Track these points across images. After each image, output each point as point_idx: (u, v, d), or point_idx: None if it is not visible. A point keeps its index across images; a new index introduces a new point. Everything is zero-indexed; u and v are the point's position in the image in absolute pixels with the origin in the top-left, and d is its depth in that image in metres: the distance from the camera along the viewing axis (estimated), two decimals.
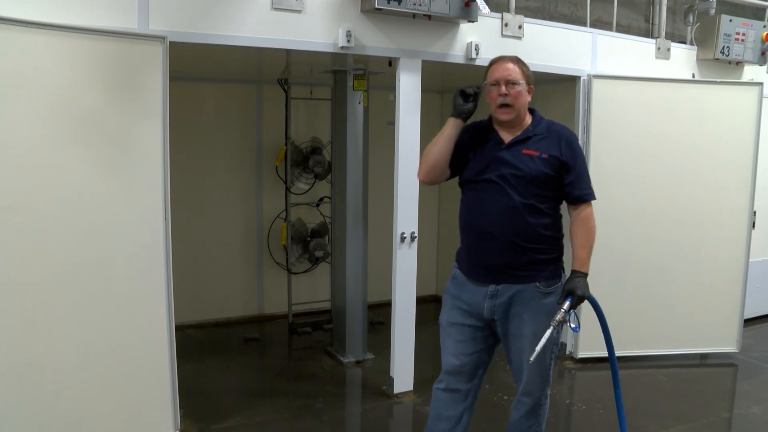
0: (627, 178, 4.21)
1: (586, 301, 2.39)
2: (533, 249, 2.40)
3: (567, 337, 4.34)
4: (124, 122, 2.81)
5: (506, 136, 2.47)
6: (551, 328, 2.27)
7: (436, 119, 5.19)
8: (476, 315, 2.49)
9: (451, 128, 2.47)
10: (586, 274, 2.40)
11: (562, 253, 2.51)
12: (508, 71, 2.44)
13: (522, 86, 2.44)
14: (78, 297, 2.75)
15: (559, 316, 2.27)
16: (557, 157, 2.40)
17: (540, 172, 2.39)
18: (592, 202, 2.47)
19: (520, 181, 2.38)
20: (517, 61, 2.50)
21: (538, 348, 2.25)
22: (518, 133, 2.46)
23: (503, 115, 2.43)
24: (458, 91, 2.46)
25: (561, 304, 2.31)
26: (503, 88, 2.41)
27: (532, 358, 2.26)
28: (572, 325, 2.32)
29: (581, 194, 2.44)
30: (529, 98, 2.48)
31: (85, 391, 2.80)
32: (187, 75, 4.43)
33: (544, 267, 2.43)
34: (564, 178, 2.43)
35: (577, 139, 2.50)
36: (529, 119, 2.51)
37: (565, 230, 2.52)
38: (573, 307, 2.31)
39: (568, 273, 2.44)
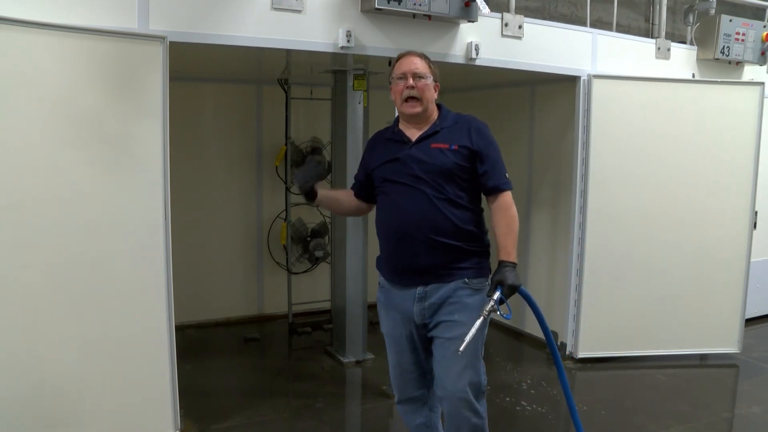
0: (627, 178, 4.21)
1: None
2: (456, 246, 2.31)
3: (567, 337, 4.35)
4: (124, 122, 2.81)
5: (413, 134, 2.41)
6: (481, 318, 2.17)
7: None
8: (409, 320, 2.41)
9: (318, 203, 2.53)
10: (514, 264, 2.27)
11: (487, 248, 2.42)
12: (414, 65, 2.39)
13: (429, 80, 2.39)
14: (78, 297, 2.75)
15: (488, 306, 2.17)
16: (467, 146, 2.34)
17: (452, 164, 2.31)
18: (510, 191, 2.37)
19: (433, 177, 2.31)
20: (423, 56, 2.46)
21: (468, 338, 2.14)
22: (426, 129, 2.41)
23: (410, 109, 2.38)
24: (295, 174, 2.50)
25: (491, 295, 2.21)
26: (410, 81, 2.36)
27: (461, 348, 2.13)
28: (504, 314, 2.20)
29: (496, 184, 2.35)
30: (435, 95, 2.43)
31: (85, 391, 2.80)
32: (187, 75, 4.43)
33: (470, 263, 2.35)
34: (478, 167, 2.35)
35: (487, 128, 2.42)
36: (436, 114, 2.45)
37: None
38: (506, 298, 2.21)
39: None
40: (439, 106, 2.48)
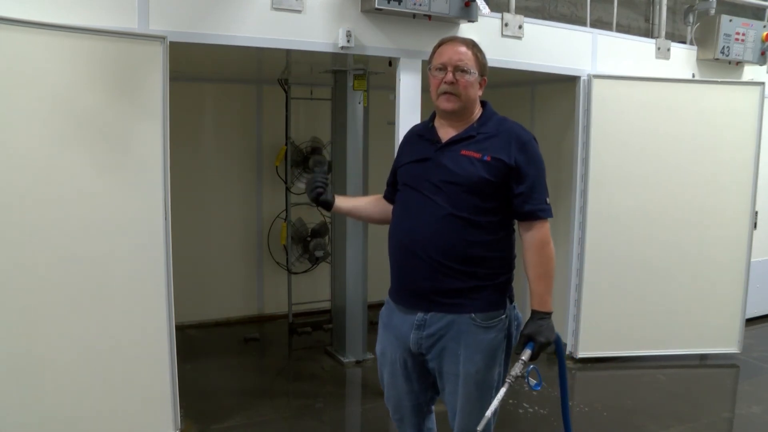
0: (627, 178, 4.21)
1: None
2: (467, 273, 1.97)
3: (567, 337, 4.34)
4: (125, 122, 2.81)
5: (446, 134, 2.07)
6: (506, 385, 1.86)
7: None
8: (405, 347, 2.10)
9: (336, 210, 2.30)
10: (549, 314, 1.99)
11: (509, 279, 2.07)
12: (459, 55, 2.01)
13: (474, 76, 2.02)
14: (78, 297, 2.75)
15: (515, 371, 1.85)
16: (503, 161, 1.97)
17: (478, 178, 1.96)
18: (548, 221, 2.03)
19: (454, 189, 1.97)
20: (471, 44, 2.07)
21: (488, 413, 1.86)
22: (461, 130, 2.06)
23: (445, 104, 2.02)
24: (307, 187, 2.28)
25: (519, 353, 1.90)
26: (450, 75, 2.00)
27: (480, 428, 1.87)
28: (533, 382, 1.89)
29: (533, 209, 1.99)
30: (480, 92, 2.08)
31: (85, 391, 2.80)
32: (187, 75, 4.43)
33: (481, 295, 2.00)
34: (513, 187, 1.98)
35: (533, 141, 2.03)
36: (478, 114, 2.09)
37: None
38: (534, 357, 1.90)
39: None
40: (483, 104, 2.12)
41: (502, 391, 1.88)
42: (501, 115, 2.11)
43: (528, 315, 2.01)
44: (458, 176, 1.98)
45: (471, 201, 1.97)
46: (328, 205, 2.26)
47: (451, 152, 2.03)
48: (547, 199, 2.02)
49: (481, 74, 2.07)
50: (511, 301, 2.08)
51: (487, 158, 1.97)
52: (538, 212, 2.00)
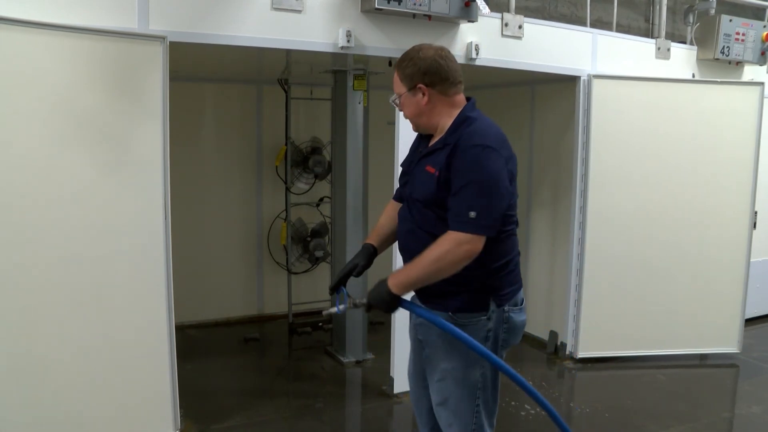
0: (627, 178, 4.21)
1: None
2: (441, 280, 1.96)
3: (567, 337, 4.35)
4: (124, 122, 2.80)
5: (431, 142, 2.09)
6: (337, 308, 2.11)
7: None
8: (413, 334, 2.25)
9: (381, 250, 2.26)
10: (385, 282, 1.97)
11: (490, 286, 2.04)
12: (394, 83, 2.07)
13: (404, 96, 2.02)
14: (78, 297, 2.75)
15: (345, 305, 2.09)
16: (446, 173, 1.93)
17: (432, 196, 1.96)
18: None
19: (418, 206, 2.02)
20: (398, 63, 2.05)
21: (332, 310, 2.10)
22: (435, 140, 2.04)
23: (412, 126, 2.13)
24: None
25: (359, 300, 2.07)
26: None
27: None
28: (339, 307, 2.11)
29: (452, 221, 1.91)
30: (425, 98, 2.01)
31: (85, 391, 2.80)
32: (187, 75, 4.43)
33: (456, 298, 2.02)
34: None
35: (474, 148, 1.90)
36: (450, 122, 2.02)
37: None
38: (357, 306, 2.07)
39: (530, 300, 2.12)
40: (468, 101, 2.08)
41: (335, 309, 2.13)
42: (474, 117, 2.02)
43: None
44: (419, 193, 2.02)
45: (431, 216, 2.00)
46: (370, 258, 2.23)
47: (420, 166, 2.05)
48: (473, 214, 1.87)
49: (412, 85, 2.01)
50: (500, 305, 2.06)
51: (437, 174, 1.95)
52: (454, 224, 1.91)
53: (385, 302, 1.99)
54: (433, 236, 1.95)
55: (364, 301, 2.05)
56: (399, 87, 2.04)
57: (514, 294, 2.11)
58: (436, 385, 2.13)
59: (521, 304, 2.14)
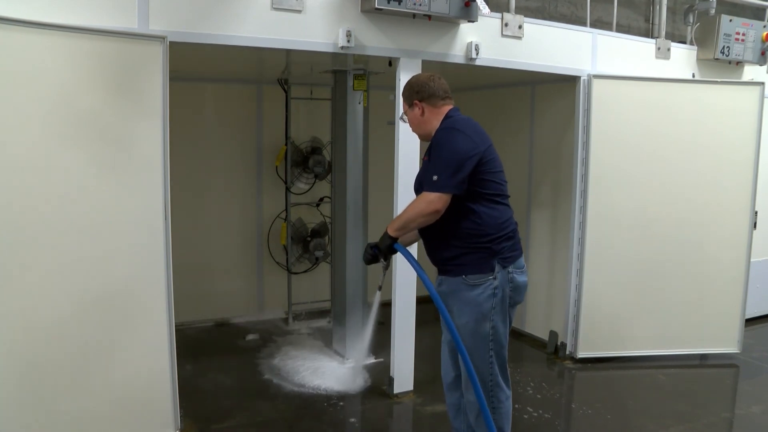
0: (627, 178, 4.21)
1: None
2: (452, 245, 2.53)
3: (567, 337, 4.35)
4: (124, 122, 2.81)
5: None
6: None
7: None
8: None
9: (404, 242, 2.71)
10: (387, 233, 2.56)
11: (492, 249, 2.51)
12: (402, 106, 2.75)
13: (409, 114, 2.66)
14: (78, 297, 2.74)
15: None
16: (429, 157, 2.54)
17: (424, 176, 2.53)
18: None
19: (423, 189, 2.52)
20: (401, 93, 2.74)
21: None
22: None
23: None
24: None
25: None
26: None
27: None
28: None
29: (425, 186, 2.49)
30: (420, 113, 2.61)
31: (85, 391, 2.80)
32: (187, 75, 4.43)
33: (467, 260, 2.52)
34: None
35: (442, 131, 2.55)
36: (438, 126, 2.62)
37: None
38: (380, 254, 2.61)
39: (531, 265, 2.46)
40: (448, 113, 2.61)
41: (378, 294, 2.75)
42: (452, 115, 2.60)
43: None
44: (421, 176, 2.61)
45: None
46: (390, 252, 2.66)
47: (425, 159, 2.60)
48: (435, 177, 2.43)
49: (410, 102, 2.64)
50: (504, 267, 2.53)
51: (426, 159, 2.55)
52: (426, 187, 2.47)
53: (384, 241, 2.57)
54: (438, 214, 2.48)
55: (377, 242, 2.63)
56: (404, 107, 2.71)
57: (516, 258, 2.58)
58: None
59: (522, 268, 2.62)
